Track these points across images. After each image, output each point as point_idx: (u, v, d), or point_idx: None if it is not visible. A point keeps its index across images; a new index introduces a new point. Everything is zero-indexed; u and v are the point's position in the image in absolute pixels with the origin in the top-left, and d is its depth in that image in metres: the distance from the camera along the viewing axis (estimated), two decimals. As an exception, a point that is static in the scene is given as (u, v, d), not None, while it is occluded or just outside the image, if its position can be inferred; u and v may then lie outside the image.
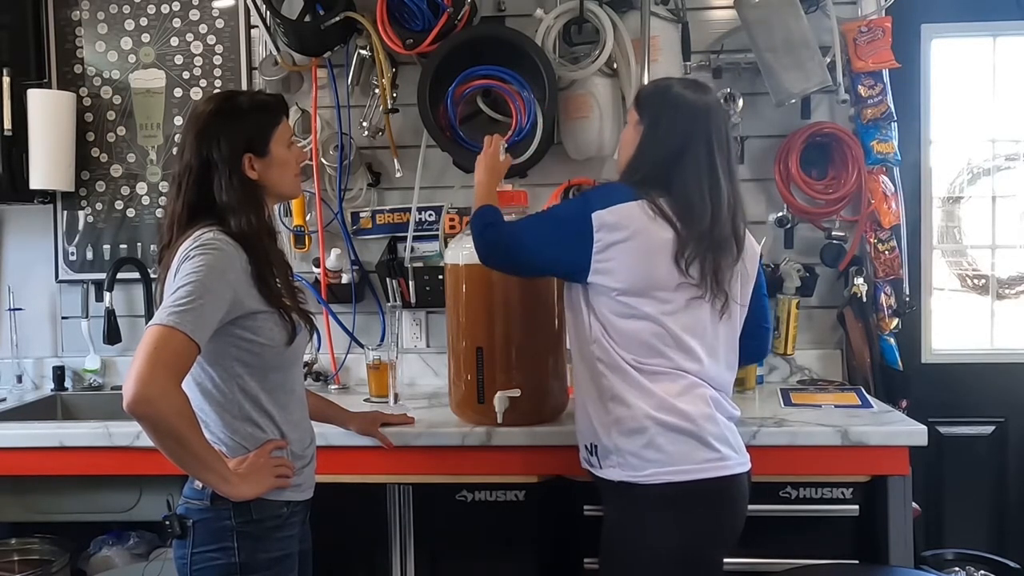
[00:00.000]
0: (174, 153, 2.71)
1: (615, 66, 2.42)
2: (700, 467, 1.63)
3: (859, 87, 2.42)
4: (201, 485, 1.53)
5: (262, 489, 1.53)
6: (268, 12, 2.46)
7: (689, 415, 1.64)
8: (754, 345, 1.86)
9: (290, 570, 1.62)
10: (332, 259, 2.58)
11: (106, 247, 2.76)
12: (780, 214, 2.50)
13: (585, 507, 2.03)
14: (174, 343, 1.39)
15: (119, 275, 2.64)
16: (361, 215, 2.66)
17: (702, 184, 1.66)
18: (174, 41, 2.72)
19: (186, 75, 2.72)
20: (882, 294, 2.48)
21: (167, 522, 1.55)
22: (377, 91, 2.46)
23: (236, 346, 1.52)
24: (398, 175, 2.54)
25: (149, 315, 2.68)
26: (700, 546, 1.66)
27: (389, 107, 2.42)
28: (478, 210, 1.82)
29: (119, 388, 2.69)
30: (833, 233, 2.50)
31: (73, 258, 2.77)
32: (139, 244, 2.75)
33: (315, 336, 1.74)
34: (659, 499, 1.63)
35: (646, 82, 2.35)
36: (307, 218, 2.60)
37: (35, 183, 2.62)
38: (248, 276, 1.51)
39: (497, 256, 1.78)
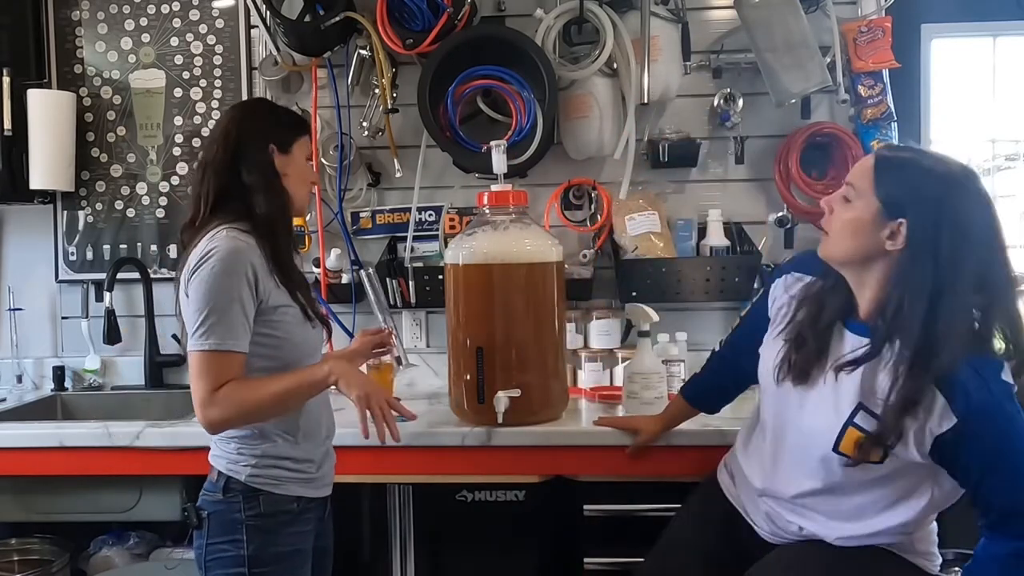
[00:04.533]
0: (175, 154, 2.72)
1: (615, 66, 2.42)
2: None
3: (859, 87, 2.42)
4: (216, 477, 1.59)
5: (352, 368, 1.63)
6: (268, 12, 2.46)
7: None
8: None
9: (301, 566, 1.63)
10: (332, 259, 2.58)
11: (106, 247, 2.76)
12: (780, 214, 2.50)
13: (585, 507, 2.03)
14: (214, 363, 1.48)
15: (119, 275, 2.63)
16: (361, 215, 2.66)
17: None
18: (174, 41, 2.71)
19: (186, 75, 2.72)
20: (882, 294, 2.48)
21: (186, 512, 1.62)
22: (377, 91, 2.46)
23: (255, 342, 1.55)
24: (398, 175, 2.54)
25: (149, 315, 2.69)
26: None
27: (389, 107, 2.42)
28: None
29: (119, 388, 2.73)
30: (833, 233, 2.50)
31: (73, 258, 2.77)
32: (139, 244, 2.75)
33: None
34: None
35: (646, 83, 2.35)
36: (307, 218, 2.60)
37: (35, 183, 2.61)
38: (266, 270, 1.55)
39: None
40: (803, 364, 1.52)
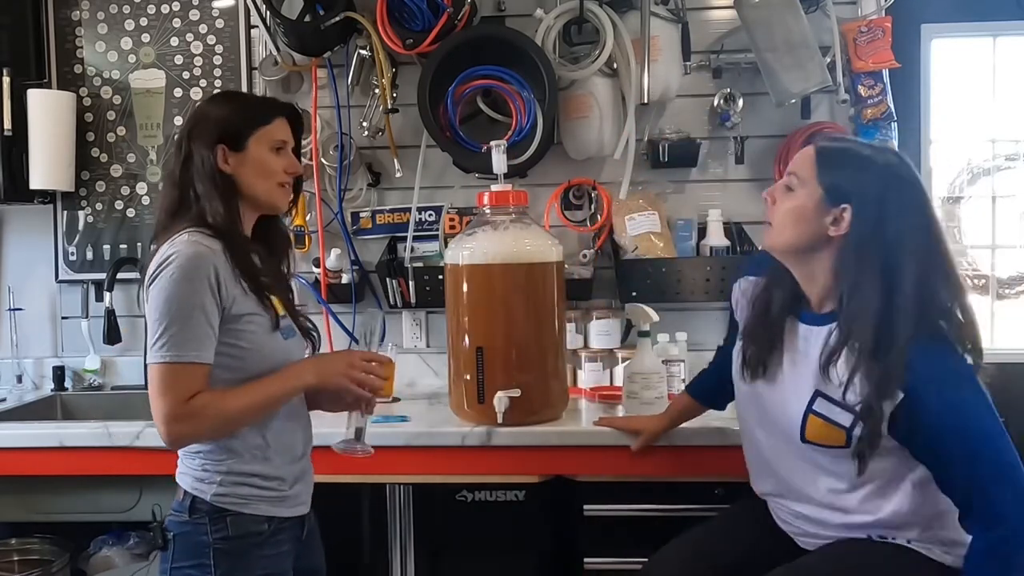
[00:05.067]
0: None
1: (615, 66, 2.42)
2: None
3: (859, 87, 2.42)
4: (182, 496, 1.51)
5: (324, 374, 1.53)
6: (268, 12, 2.46)
7: None
8: None
9: None
10: (332, 259, 2.58)
11: (106, 247, 2.76)
12: (780, 214, 2.49)
13: (585, 507, 2.03)
14: (175, 375, 1.40)
15: (119, 275, 2.64)
16: (361, 215, 2.66)
17: None
18: (174, 41, 2.72)
19: (186, 75, 2.72)
20: (882, 294, 2.48)
21: (152, 533, 1.54)
22: (377, 91, 2.46)
23: (219, 352, 1.46)
24: (398, 175, 2.54)
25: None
26: None
27: (389, 107, 2.42)
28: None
29: (119, 388, 2.72)
30: (833, 233, 2.50)
31: (73, 258, 2.77)
32: (139, 244, 2.74)
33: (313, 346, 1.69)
34: None
35: (646, 83, 2.35)
36: (307, 218, 2.60)
37: (35, 183, 2.61)
38: (231, 276, 1.46)
39: None
40: (758, 358, 1.56)
